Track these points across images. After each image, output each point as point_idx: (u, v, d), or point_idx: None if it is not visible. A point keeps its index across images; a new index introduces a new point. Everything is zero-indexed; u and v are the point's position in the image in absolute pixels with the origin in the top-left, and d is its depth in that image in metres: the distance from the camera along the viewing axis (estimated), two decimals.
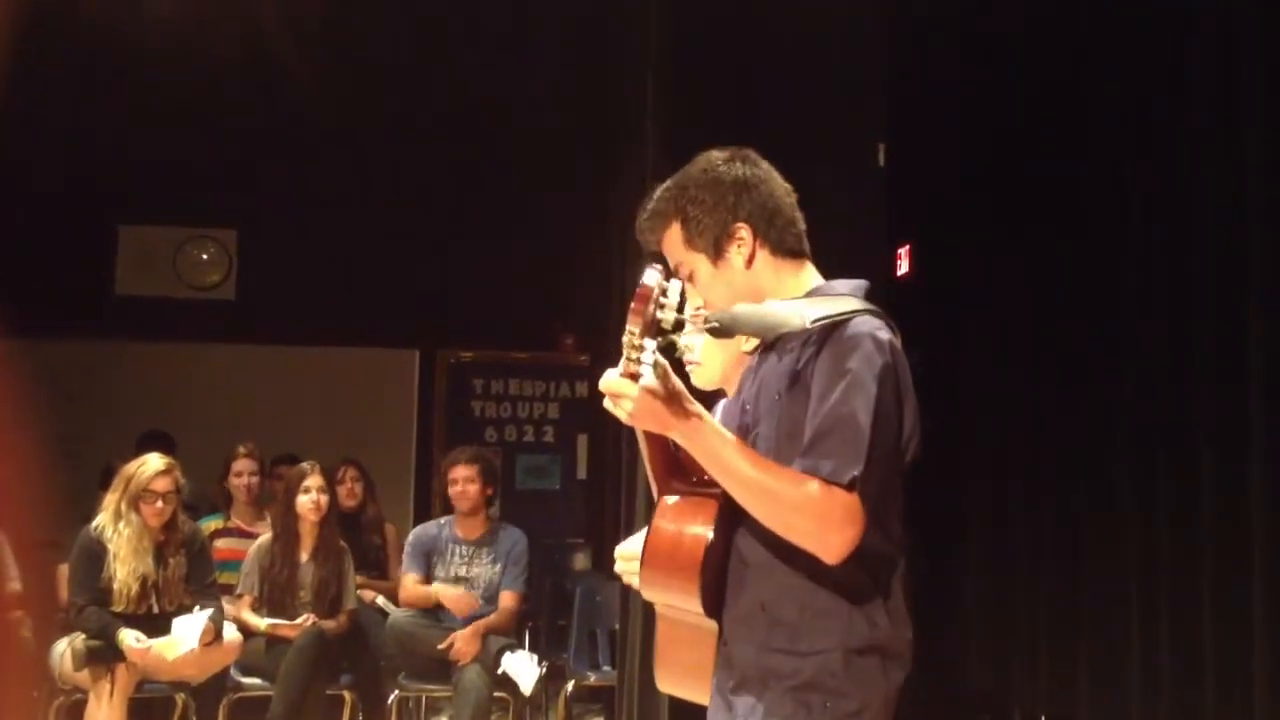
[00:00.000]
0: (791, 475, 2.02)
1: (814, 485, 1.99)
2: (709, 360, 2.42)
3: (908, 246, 5.91)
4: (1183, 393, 4.09)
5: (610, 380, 2.04)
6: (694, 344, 2.39)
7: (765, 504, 2.04)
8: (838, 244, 2.39)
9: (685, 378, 2.18)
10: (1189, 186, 4.11)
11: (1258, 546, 3.67)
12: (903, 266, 5.95)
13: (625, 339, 1.97)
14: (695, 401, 2.07)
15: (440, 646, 5.24)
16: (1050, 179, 4.96)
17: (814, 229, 2.30)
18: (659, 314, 1.96)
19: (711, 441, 2.05)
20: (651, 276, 1.96)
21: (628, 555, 2.28)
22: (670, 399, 2.02)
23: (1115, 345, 4.50)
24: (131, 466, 5.13)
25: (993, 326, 5.37)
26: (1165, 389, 4.19)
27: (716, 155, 2.26)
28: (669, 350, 2.02)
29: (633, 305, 1.94)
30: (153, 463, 5.09)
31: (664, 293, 1.97)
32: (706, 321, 2.05)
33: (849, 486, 1.99)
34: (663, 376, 2.00)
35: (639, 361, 1.97)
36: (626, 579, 2.33)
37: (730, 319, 2.07)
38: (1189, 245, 4.10)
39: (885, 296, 2.24)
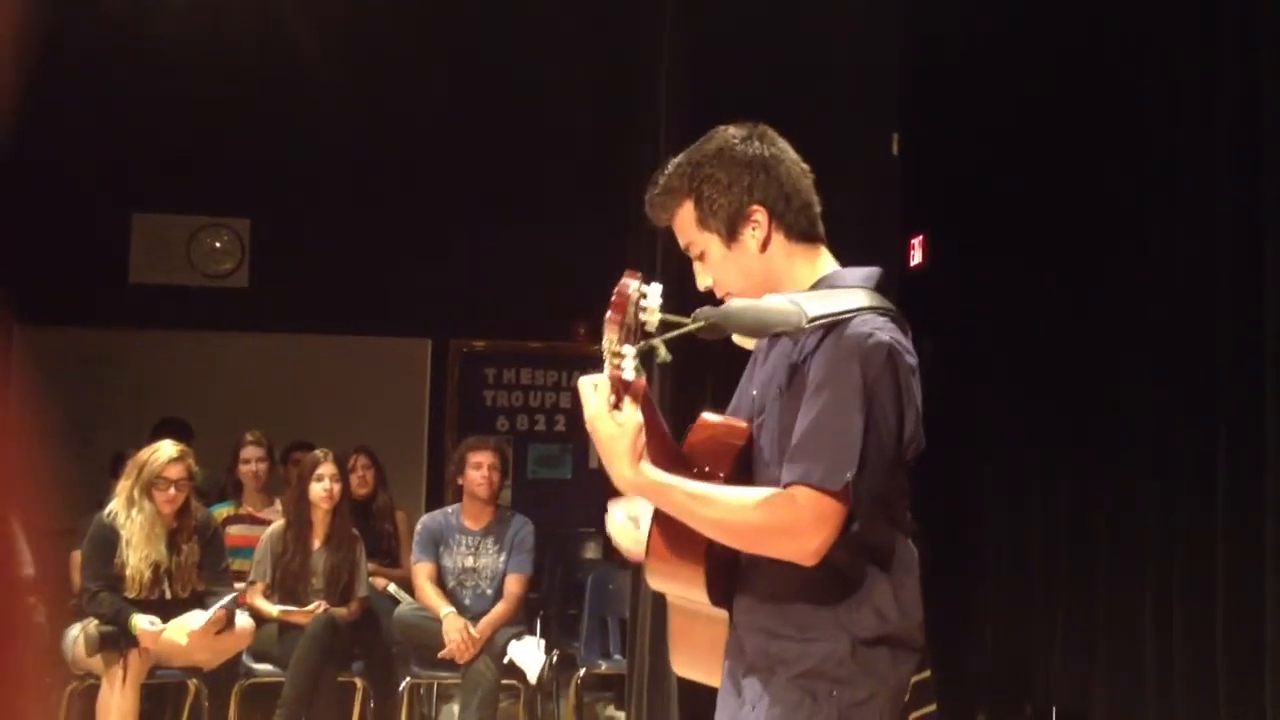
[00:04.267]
0: (750, 498, 1.99)
1: (778, 498, 1.96)
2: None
3: (921, 237, 5.91)
4: (1198, 385, 4.08)
5: (581, 383, 2.00)
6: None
7: (732, 535, 2.00)
8: (851, 234, 2.37)
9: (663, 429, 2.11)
10: (1206, 177, 4.09)
11: (1269, 537, 3.66)
12: (916, 257, 5.95)
13: (605, 345, 1.91)
14: (649, 465, 1.99)
15: (441, 655, 5.24)
16: (1064, 170, 4.95)
17: (827, 219, 2.26)
18: (642, 316, 1.92)
19: (659, 495, 2.01)
20: (628, 284, 1.91)
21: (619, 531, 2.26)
22: (613, 444, 1.96)
23: (1130, 333, 4.49)
24: (145, 453, 5.14)
25: (1005, 316, 5.36)
26: (1181, 379, 4.18)
27: (733, 132, 2.18)
28: (650, 356, 1.96)
29: (609, 314, 1.88)
30: (166, 450, 5.10)
31: (643, 296, 1.92)
32: (696, 320, 1.97)
33: (836, 494, 1.93)
34: (621, 429, 1.96)
35: (620, 368, 1.93)
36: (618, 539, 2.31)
37: (723, 317, 1.98)
38: (1205, 234, 4.09)
39: (898, 287, 2.23)
